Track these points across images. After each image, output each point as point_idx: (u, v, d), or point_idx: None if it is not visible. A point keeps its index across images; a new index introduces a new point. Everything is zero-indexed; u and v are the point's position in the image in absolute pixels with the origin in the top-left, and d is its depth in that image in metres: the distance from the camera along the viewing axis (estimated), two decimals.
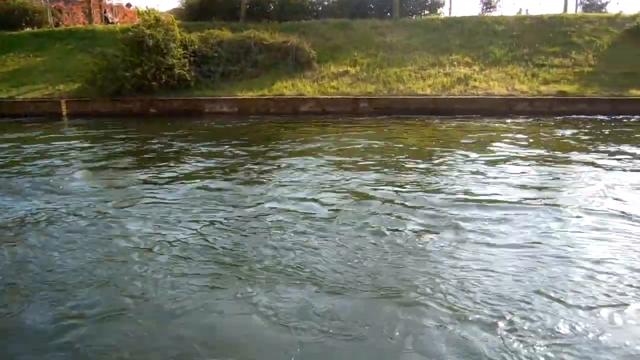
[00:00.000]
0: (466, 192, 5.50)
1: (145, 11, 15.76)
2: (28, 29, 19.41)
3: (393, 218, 4.71)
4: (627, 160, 7.19)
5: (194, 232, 4.42)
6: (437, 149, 8.38)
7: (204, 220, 4.72)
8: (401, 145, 8.72)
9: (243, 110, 13.61)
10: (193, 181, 6.29)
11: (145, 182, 6.36)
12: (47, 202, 5.47)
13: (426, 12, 20.22)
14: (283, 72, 15.06)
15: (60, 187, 6.11)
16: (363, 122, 11.82)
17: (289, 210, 4.98)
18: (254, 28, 16.54)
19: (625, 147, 8.14)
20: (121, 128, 11.66)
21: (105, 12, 22.63)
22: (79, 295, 3.31)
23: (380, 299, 3.18)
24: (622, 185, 5.74)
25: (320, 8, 20.18)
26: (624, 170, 6.56)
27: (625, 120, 11.42)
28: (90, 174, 7.07)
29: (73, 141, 9.95)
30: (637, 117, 11.72)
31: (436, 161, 7.32)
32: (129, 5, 26.47)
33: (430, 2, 20.19)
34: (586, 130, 10.11)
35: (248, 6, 19.73)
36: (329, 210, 4.98)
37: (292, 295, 3.23)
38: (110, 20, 22.19)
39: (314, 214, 4.86)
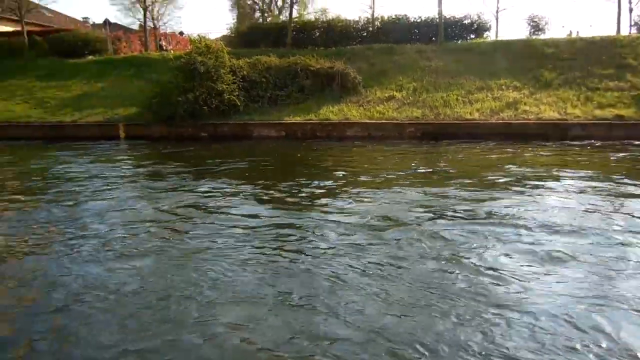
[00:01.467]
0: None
1: (196, 39, 16.44)
2: (90, 57, 20.68)
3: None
4: None
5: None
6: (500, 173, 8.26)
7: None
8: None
9: (290, 134, 13.91)
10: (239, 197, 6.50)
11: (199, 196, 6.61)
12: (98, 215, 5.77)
13: (472, 36, 20.13)
14: (329, 97, 15.31)
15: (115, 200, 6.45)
16: (409, 146, 11.86)
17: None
18: (300, 54, 16.95)
19: None
20: (170, 151, 12.17)
21: (160, 40, 23.82)
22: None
23: None
24: None
25: (365, 34, 20.47)
26: None
27: None
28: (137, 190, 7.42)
29: (126, 161, 10.57)
30: None
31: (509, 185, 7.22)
32: (181, 33, 27.79)
33: (476, 27, 20.09)
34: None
35: (294, 33, 20.29)
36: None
37: None
38: (164, 48, 23.34)
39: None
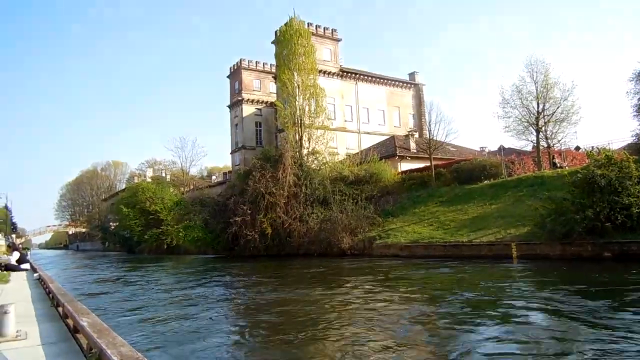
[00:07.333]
0: None
1: (594, 152, 15.25)
2: (486, 182, 22.17)
3: None
4: None
5: None
6: None
7: None
8: None
9: None
10: None
11: None
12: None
13: None
14: None
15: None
16: None
17: None
18: None
19: None
20: (557, 274, 11.04)
21: (553, 157, 23.28)
22: None
23: None
24: None
25: None
26: None
27: None
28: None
29: (519, 283, 10.24)
30: None
31: None
32: (577, 148, 26.31)
33: None
34: None
35: None
36: None
37: None
38: (558, 165, 22.56)
39: None
